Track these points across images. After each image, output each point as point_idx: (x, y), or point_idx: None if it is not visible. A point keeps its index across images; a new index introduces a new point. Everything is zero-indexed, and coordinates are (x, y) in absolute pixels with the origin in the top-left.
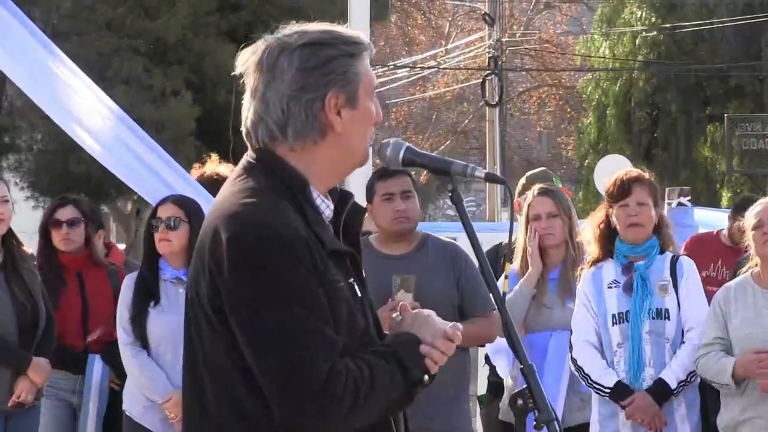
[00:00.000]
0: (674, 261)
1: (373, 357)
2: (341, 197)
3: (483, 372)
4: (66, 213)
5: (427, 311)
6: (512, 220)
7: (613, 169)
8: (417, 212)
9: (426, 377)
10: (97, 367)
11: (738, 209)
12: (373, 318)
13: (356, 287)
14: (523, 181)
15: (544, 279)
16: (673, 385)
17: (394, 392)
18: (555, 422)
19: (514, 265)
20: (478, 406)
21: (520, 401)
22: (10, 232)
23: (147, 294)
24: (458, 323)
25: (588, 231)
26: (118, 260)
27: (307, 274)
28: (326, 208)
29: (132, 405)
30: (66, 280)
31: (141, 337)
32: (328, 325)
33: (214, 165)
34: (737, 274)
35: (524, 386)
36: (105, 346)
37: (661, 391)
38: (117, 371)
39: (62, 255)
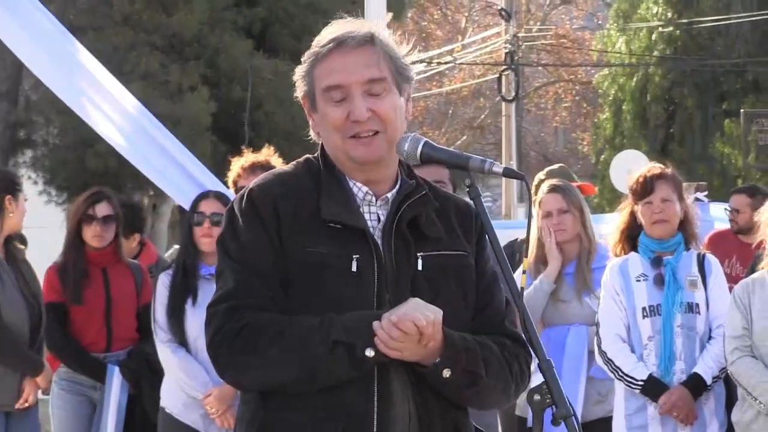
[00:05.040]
0: (701, 258)
1: (305, 316)
2: (407, 195)
3: None
4: (102, 209)
5: (414, 299)
6: (530, 215)
7: (629, 164)
8: None
9: (371, 352)
10: (116, 382)
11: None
12: (380, 300)
13: (355, 262)
14: (541, 176)
15: (560, 274)
16: (708, 380)
17: (311, 349)
18: (573, 418)
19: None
20: None
21: (537, 396)
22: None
23: (184, 291)
24: (418, 315)
25: (611, 226)
26: (152, 258)
27: (259, 227)
28: (358, 190)
29: (171, 402)
30: (91, 275)
31: (179, 334)
32: (259, 277)
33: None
34: (754, 270)
35: (542, 381)
36: (127, 345)
37: (696, 386)
38: (134, 384)
39: (90, 250)
